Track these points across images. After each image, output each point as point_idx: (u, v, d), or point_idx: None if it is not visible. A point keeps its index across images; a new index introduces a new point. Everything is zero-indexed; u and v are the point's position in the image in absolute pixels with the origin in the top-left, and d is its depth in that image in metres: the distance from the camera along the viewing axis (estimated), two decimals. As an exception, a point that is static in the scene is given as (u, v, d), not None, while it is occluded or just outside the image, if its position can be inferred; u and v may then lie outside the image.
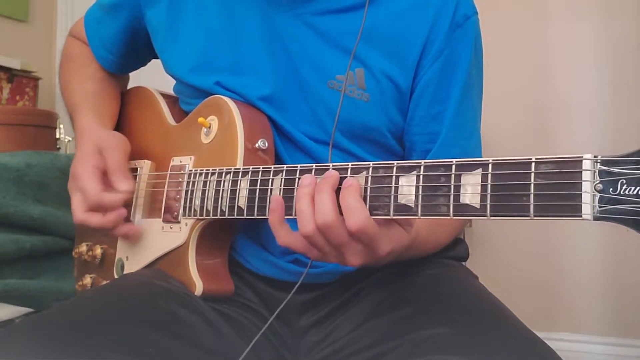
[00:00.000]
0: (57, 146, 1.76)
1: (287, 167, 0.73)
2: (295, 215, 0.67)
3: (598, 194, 0.49)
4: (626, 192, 0.47)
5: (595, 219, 0.49)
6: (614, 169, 0.49)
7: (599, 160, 0.50)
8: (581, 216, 0.50)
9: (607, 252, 1.89)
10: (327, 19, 0.87)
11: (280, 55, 0.88)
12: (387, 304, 0.81)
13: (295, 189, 0.71)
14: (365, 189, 0.65)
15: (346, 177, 0.66)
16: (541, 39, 2.00)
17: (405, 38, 0.86)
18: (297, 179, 0.71)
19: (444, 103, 0.88)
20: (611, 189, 0.49)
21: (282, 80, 0.88)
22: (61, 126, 1.73)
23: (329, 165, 0.68)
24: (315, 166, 0.70)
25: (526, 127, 1.99)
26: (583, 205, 0.50)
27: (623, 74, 1.91)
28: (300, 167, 0.71)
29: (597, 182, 0.49)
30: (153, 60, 1.09)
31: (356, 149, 0.89)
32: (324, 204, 0.64)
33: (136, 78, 1.16)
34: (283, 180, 0.73)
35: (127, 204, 0.93)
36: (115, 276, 0.96)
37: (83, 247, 1.03)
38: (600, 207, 0.49)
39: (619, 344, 1.86)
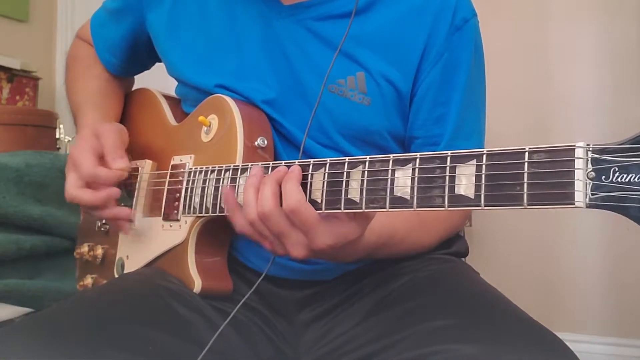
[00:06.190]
0: (57, 146, 1.77)
1: (284, 163, 0.73)
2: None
3: (590, 182, 0.49)
4: (618, 179, 0.47)
5: (588, 206, 0.49)
6: (606, 157, 0.49)
7: (591, 149, 0.50)
8: (574, 204, 0.50)
9: (607, 252, 1.89)
10: (328, 24, 0.88)
11: (280, 61, 0.89)
12: (390, 300, 0.81)
13: None
14: (362, 181, 0.65)
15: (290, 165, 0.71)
16: (542, 40, 2.00)
17: (405, 42, 0.86)
18: None
19: (445, 106, 0.88)
20: (603, 177, 0.49)
21: (284, 86, 0.89)
22: (61, 126, 1.74)
23: (325, 160, 0.69)
24: (313, 162, 0.70)
25: (527, 127, 1.99)
26: (576, 193, 0.50)
27: (624, 74, 1.91)
28: (298, 162, 0.72)
29: (590, 170, 0.49)
30: (157, 63, 1.10)
31: (358, 153, 0.89)
32: (264, 196, 0.69)
33: (140, 79, 1.17)
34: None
35: (127, 203, 0.94)
36: (116, 275, 0.97)
37: (85, 248, 1.04)
38: (592, 194, 0.49)
39: (619, 344, 1.85)
